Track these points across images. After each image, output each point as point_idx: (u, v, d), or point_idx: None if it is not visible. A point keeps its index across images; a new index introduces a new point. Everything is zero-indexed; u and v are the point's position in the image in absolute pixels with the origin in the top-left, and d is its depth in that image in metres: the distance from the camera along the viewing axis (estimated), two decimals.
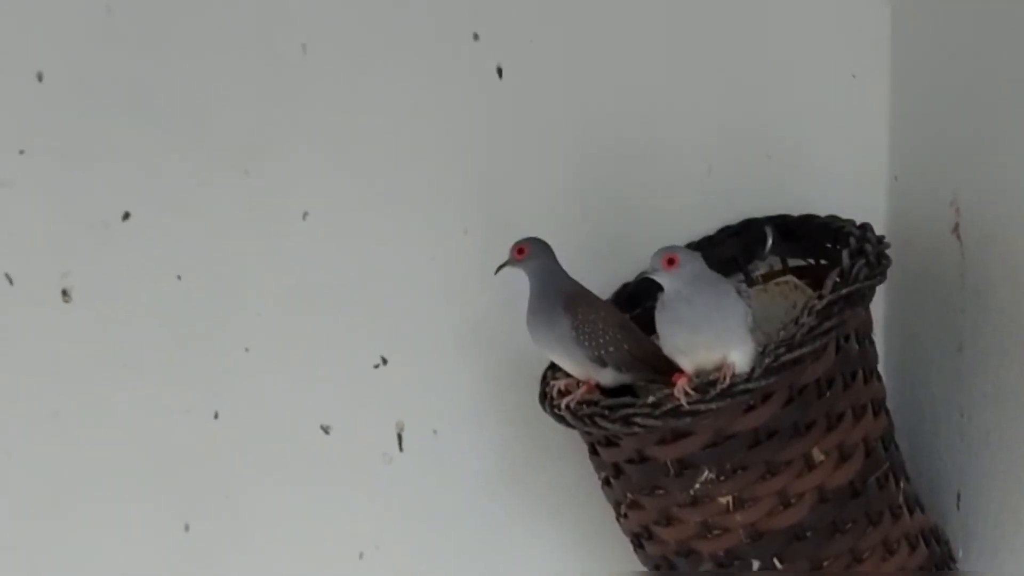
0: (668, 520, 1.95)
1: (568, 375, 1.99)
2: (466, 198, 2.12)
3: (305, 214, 2.10)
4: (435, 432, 2.13)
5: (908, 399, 2.10)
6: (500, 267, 2.01)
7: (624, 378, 1.97)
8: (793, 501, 1.91)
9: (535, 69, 2.13)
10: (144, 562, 2.06)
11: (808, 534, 1.92)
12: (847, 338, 1.93)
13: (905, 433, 2.05)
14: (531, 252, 1.99)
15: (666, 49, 2.16)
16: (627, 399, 1.92)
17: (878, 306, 2.10)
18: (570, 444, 2.09)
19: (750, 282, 2.11)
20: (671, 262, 1.89)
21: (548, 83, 2.14)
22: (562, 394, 1.97)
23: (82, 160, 2.04)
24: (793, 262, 2.12)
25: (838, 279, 1.90)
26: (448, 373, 2.12)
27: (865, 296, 1.92)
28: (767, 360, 1.86)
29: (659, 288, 1.92)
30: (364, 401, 2.11)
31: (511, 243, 2.01)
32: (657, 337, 1.93)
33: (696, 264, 1.91)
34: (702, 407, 1.86)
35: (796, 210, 2.12)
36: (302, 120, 2.09)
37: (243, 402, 2.09)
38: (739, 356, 1.87)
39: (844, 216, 2.06)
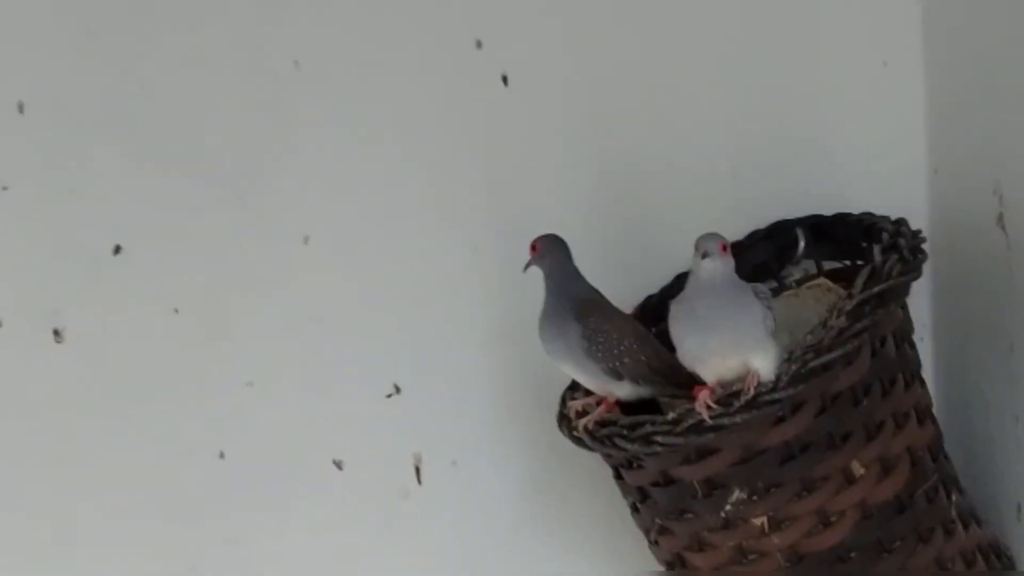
0: (700, 546, 1.83)
1: (587, 394, 1.87)
2: (475, 214, 2.03)
3: (306, 238, 2.01)
4: (454, 463, 2.02)
5: (959, 405, 1.97)
6: (527, 265, 1.88)
7: (643, 391, 1.85)
8: (833, 519, 1.79)
9: (542, 75, 2.04)
10: None
11: (852, 555, 1.80)
12: (883, 341, 1.80)
13: (958, 441, 1.92)
14: (543, 249, 1.88)
15: (682, 46, 2.06)
16: (646, 416, 1.80)
17: (925, 307, 1.99)
18: (597, 468, 1.97)
19: (783, 289, 1.98)
20: (725, 248, 1.78)
21: (556, 90, 2.04)
22: (580, 415, 1.85)
23: (67, 193, 1.98)
24: (829, 265, 1.99)
25: (870, 277, 1.76)
26: (465, 399, 2.03)
27: (899, 294, 1.80)
28: (794, 366, 1.74)
29: None
30: (378, 433, 2.02)
31: (524, 260, 1.90)
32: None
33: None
34: (726, 421, 1.74)
35: (831, 210, 2.00)
36: (298, 139, 2.01)
37: (249, 439, 2.00)
38: (762, 363, 1.75)
39: (882, 213, 1.94)
